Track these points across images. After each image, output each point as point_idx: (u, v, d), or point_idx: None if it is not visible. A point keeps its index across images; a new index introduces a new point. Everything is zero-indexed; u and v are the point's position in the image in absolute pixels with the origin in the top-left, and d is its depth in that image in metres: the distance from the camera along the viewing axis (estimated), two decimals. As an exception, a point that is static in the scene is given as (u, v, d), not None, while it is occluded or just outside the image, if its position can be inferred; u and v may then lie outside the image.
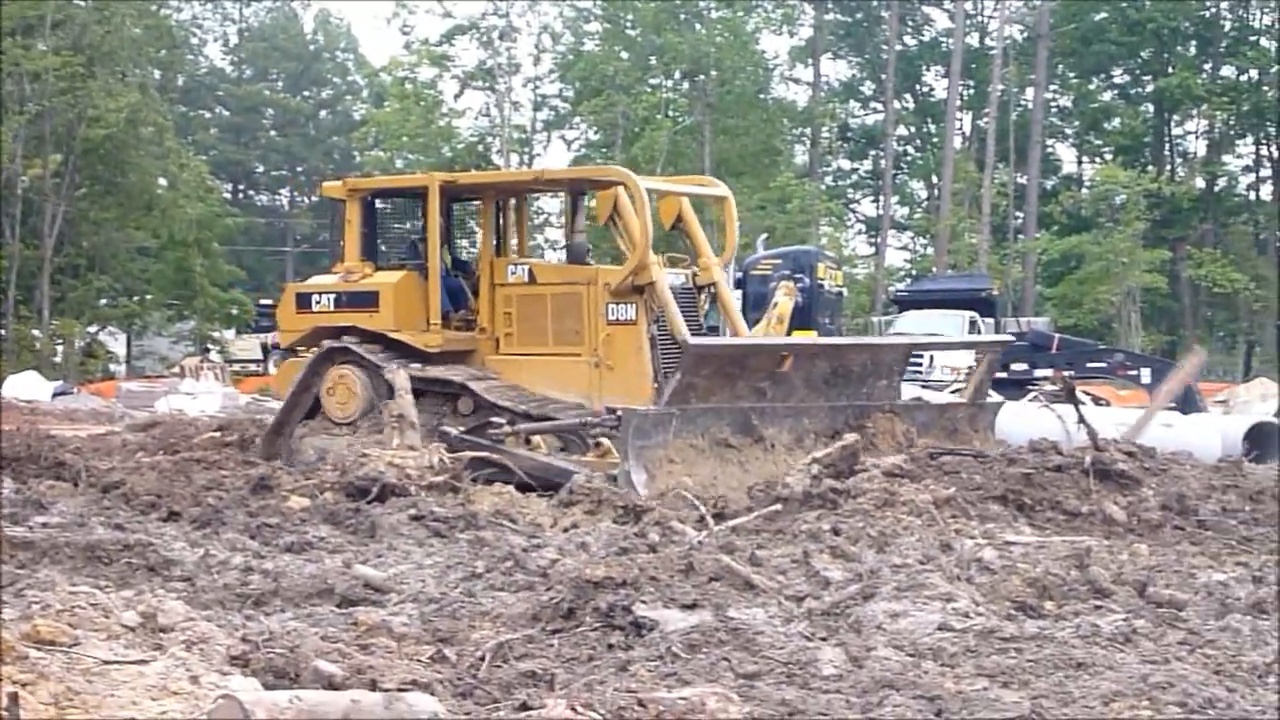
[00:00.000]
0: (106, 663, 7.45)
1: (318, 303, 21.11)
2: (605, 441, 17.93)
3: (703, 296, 20.51)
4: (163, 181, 61.29)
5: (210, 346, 61.80)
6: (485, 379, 19.82)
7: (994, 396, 21.85)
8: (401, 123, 70.37)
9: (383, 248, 21.62)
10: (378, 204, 21.70)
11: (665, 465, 16.66)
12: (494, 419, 18.71)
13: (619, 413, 17.14)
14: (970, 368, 36.35)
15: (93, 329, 60.78)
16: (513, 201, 21.69)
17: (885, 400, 19.25)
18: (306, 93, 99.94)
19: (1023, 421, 22.79)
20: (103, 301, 61.19)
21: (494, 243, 21.14)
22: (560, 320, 19.90)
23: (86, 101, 55.23)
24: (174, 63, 78.22)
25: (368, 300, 20.57)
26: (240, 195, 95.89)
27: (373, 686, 7.57)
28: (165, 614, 8.62)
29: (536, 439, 18.46)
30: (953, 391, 30.27)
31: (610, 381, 19.21)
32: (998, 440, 20.12)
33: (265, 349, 61.82)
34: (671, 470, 16.56)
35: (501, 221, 21.60)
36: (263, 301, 69.42)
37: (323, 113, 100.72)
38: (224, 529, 13.90)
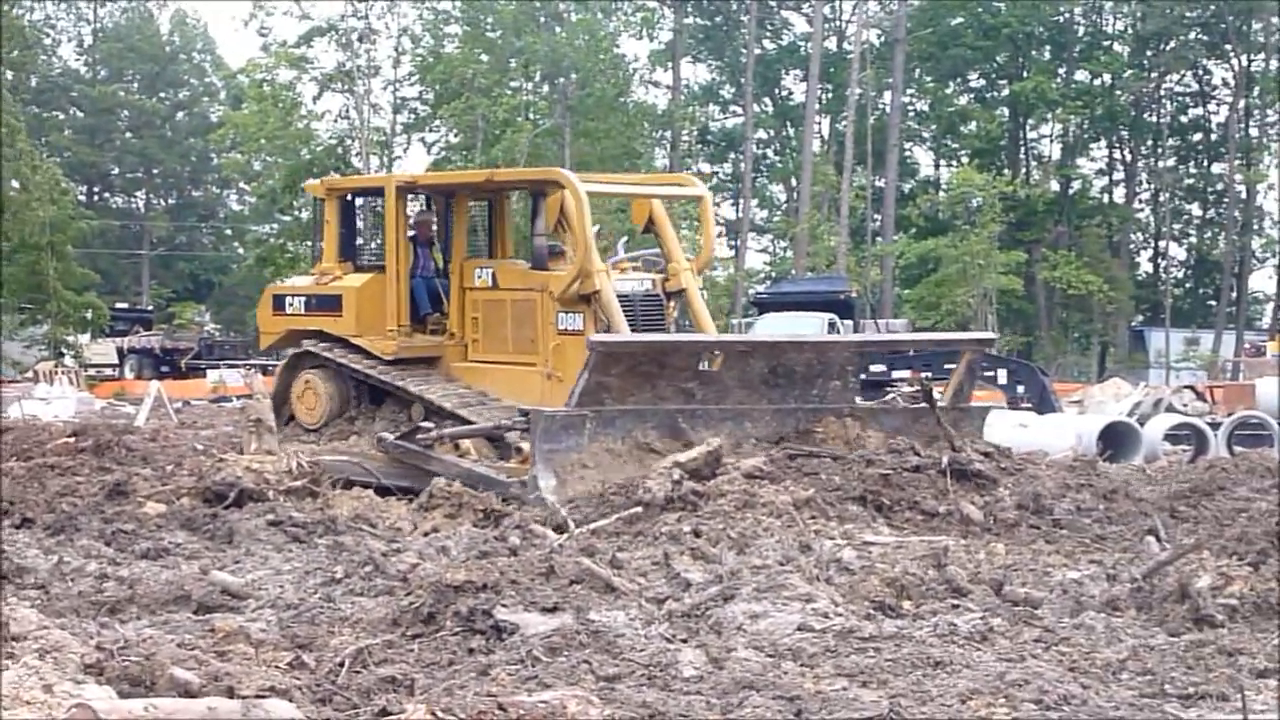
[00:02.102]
0: (-43, 673, 7.32)
1: (290, 305, 20.94)
2: (525, 446, 16.90)
3: (672, 303, 19.71)
4: (15, 184, 60.39)
5: (64, 351, 60.97)
6: (439, 385, 19.43)
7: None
8: (260, 125, 69.75)
9: (363, 246, 21.32)
10: (357, 204, 21.27)
11: (577, 470, 15.76)
12: (423, 424, 18.16)
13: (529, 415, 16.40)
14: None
15: (-57, 333, 59.86)
16: (485, 203, 21.16)
17: (842, 403, 17.96)
18: (163, 94, 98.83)
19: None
20: (-47, 305, 60.29)
21: (465, 245, 20.58)
22: (519, 328, 19.38)
23: (-65, 103, 54.40)
24: (26, 63, 77.17)
25: (332, 303, 20.30)
26: (95, 198, 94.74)
27: (230, 694, 7.51)
28: (17, 622, 8.49)
29: (466, 445, 17.82)
30: (883, 401, 30.43)
31: (559, 393, 17.85)
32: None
33: (121, 353, 61.16)
34: (584, 475, 15.67)
35: (493, 222, 21.24)
36: (118, 305, 68.70)
37: (179, 114, 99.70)
38: (78, 535, 13.71)
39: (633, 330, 18.20)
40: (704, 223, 20.86)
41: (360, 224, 21.58)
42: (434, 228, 20.96)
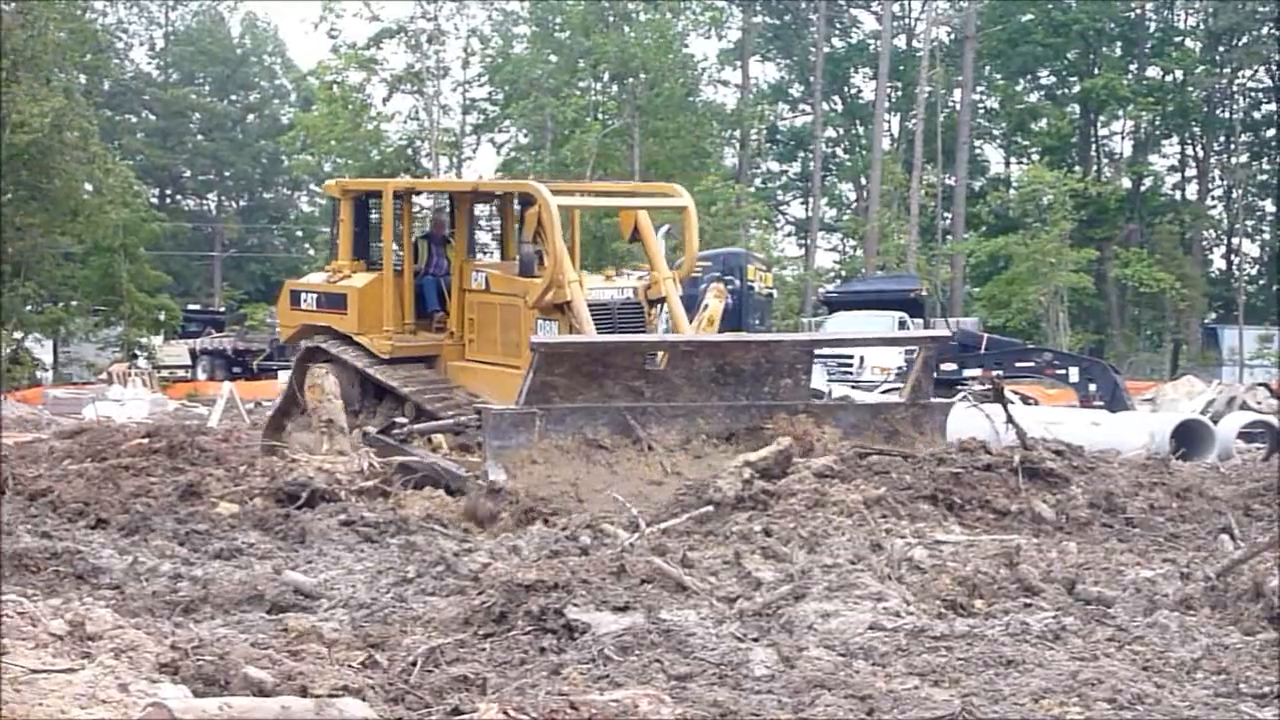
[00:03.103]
0: (34, 671, 7.39)
1: (304, 301, 21.46)
2: None
3: (654, 310, 20.06)
4: (88, 187, 60.76)
5: (138, 352, 61.38)
6: (428, 385, 19.79)
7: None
8: (330, 126, 70.08)
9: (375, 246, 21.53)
10: (370, 205, 21.60)
11: (527, 465, 16.35)
12: (398, 419, 18.87)
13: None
14: (900, 368, 36.79)
15: (18, 335, 60.28)
16: (488, 208, 21.67)
17: (796, 400, 18.24)
18: (234, 96, 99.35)
19: (952, 421, 22.90)
20: (28, 308, 60.69)
21: (465, 247, 21.14)
22: (505, 331, 19.74)
23: (11, 106, 54.76)
24: (99, 67, 77.72)
25: (339, 301, 20.81)
26: (167, 200, 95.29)
27: (303, 693, 7.54)
28: (93, 622, 8.56)
29: (438, 440, 18.43)
30: (883, 392, 30.39)
31: None
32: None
33: (194, 354, 61.52)
34: (533, 471, 16.27)
35: (503, 224, 21.78)
36: (190, 307, 69.09)
37: (250, 116, 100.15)
38: (152, 536, 13.83)
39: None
40: (688, 232, 21.03)
41: (373, 224, 21.92)
42: (448, 228, 21.43)
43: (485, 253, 21.29)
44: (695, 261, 21.94)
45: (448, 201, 21.93)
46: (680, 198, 21.78)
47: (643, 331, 19.65)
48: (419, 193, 22.06)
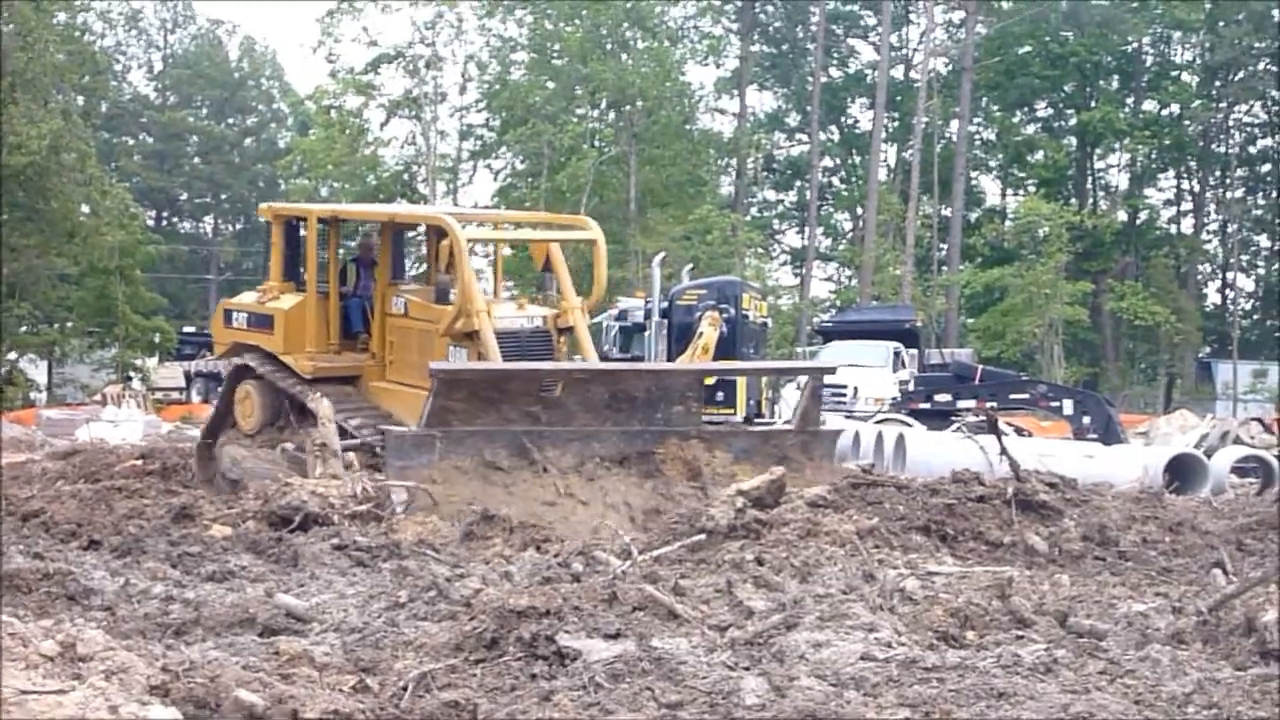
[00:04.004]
0: (25, 692, 7.38)
1: (236, 320, 22.09)
2: None
3: (563, 338, 20.71)
4: (85, 208, 60.77)
5: (132, 374, 61.39)
6: (346, 405, 20.32)
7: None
8: (327, 151, 70.22)
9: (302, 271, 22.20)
10: (300, 230, 22.15)
11: (427, 484, 17.12)
12: (313, 436, 19.43)
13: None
14: (895, 399, 36.82)
15: (13, 356, 60.30)
16: (410, 235, 22.13)
17: (687, 426, 19.07)
18: (231, 120, 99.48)
19: (946, 452, 22.92)
20: (23, 329, 60.74)
21: (389, 272, 21.66)
22: (422, 355, 20.21)
23: (8, 127, 54.81)
24: (97, 89, 77.78)
25: (266, 322, 21.50)
26: (164, 222, 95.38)
27: (294, 717, 7.54)
28: (85, 643, 8.55)
29: (350, 458, 18.76)
30: (878, 421, 30.39)
31: None
32: (868, 467, 19.98)
33: (188, 377, 61.52)
34: (432, 491, 16.99)
35: (427, 253, 22.30)
36: (185, 329, 69.11)
37: (247, 140, 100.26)
38: (145, 558, 13.80)
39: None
40: (596, 264, 21.52)
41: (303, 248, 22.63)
42: (376, 252, 22.00)
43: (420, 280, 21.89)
44: (603, 292, 22.56)
45: (379, 227, 22.44)
46: (590, 230, 22.38)
47: (550, 359, 20.39)
48: (343, 220, 22.92)
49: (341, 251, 23.13)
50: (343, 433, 19.42)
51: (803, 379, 40.16)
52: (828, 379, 38.68)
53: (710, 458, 18.47)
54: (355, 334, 21.47)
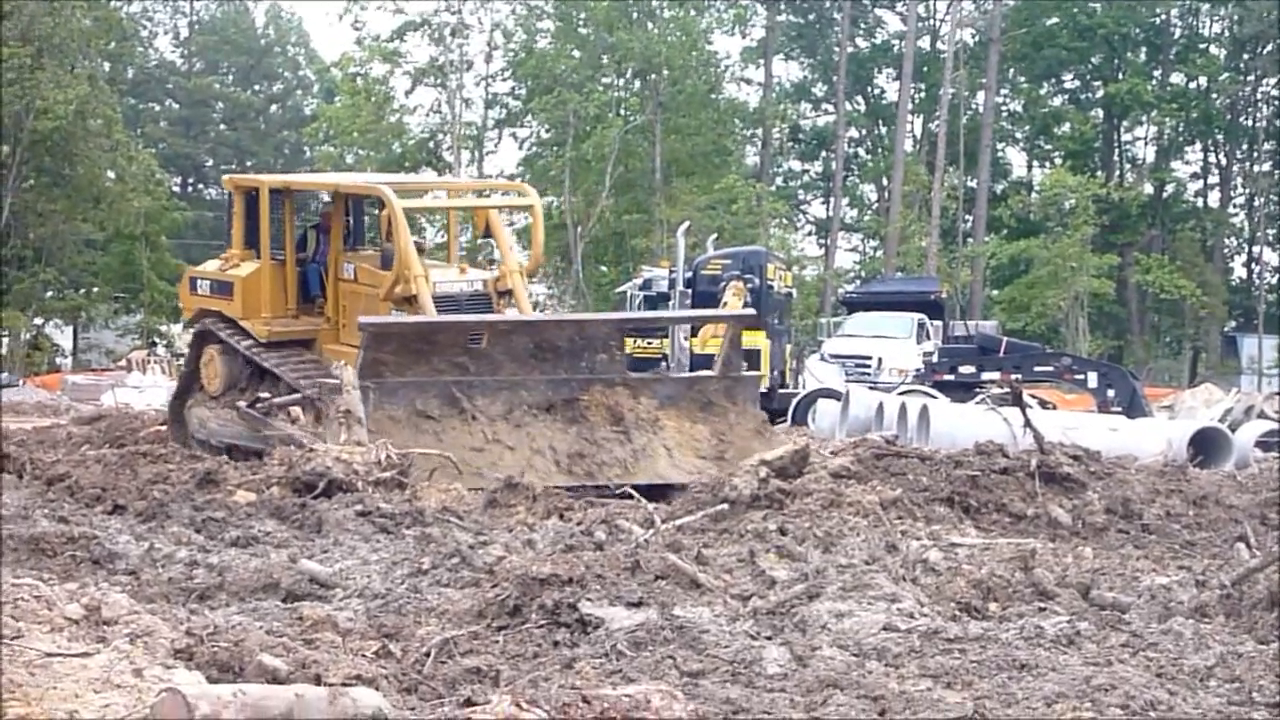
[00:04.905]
0: (49, 655, 7.42)
1: (199, 287, 23.15)
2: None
3: (503, 301, 21.44)
4: (111, 174, 60.91)
5: (157, 340, 61.49)
6: (299, 366, 21.32)
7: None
8: (352, 118, 70.09)
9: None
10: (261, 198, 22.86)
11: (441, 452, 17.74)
12: (262, 394, 20.91)
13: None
14: (919, 371, 36.79)
15: (39, 321, 60.47)
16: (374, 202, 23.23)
17: (612, 374, 19.82)
18: (257, 87, 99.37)
19: (969, 424, 22.90)
20: (49, 294, 60.89)
21: (341, 240, 22.49)
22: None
23: (35, 93, 54.90)
24: (124, 55, 77.85)
25: (227, 289, 22.36)
26: (189, 189, 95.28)
27: (317, 681, 7.56)
28: (109, 607, 8.59)
29: (296, 413, 19.95)
30: (901, 393, 30.35)
31: None
32: (892, 438, 20.01)
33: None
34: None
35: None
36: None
37: (273, 107, 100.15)
38: (169, 523, 13.85)
39: None
40: (534, 229, 22.41)
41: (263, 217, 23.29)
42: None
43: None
44: (541, 258, 23.75)
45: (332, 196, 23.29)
46: (527, 196, 23.83)
47: None
48: (296, 190, 23.79)
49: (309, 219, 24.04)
50: (292, 391, 20.60)
51: (824, 349, 40.50)
52: (850, 349, 39.21)
53: (635, 404, 19.26)
54: (313, 298, 22.37)
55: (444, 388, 18.61)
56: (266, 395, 20.89)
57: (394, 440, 17.44)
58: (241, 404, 20.97)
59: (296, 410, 20.08)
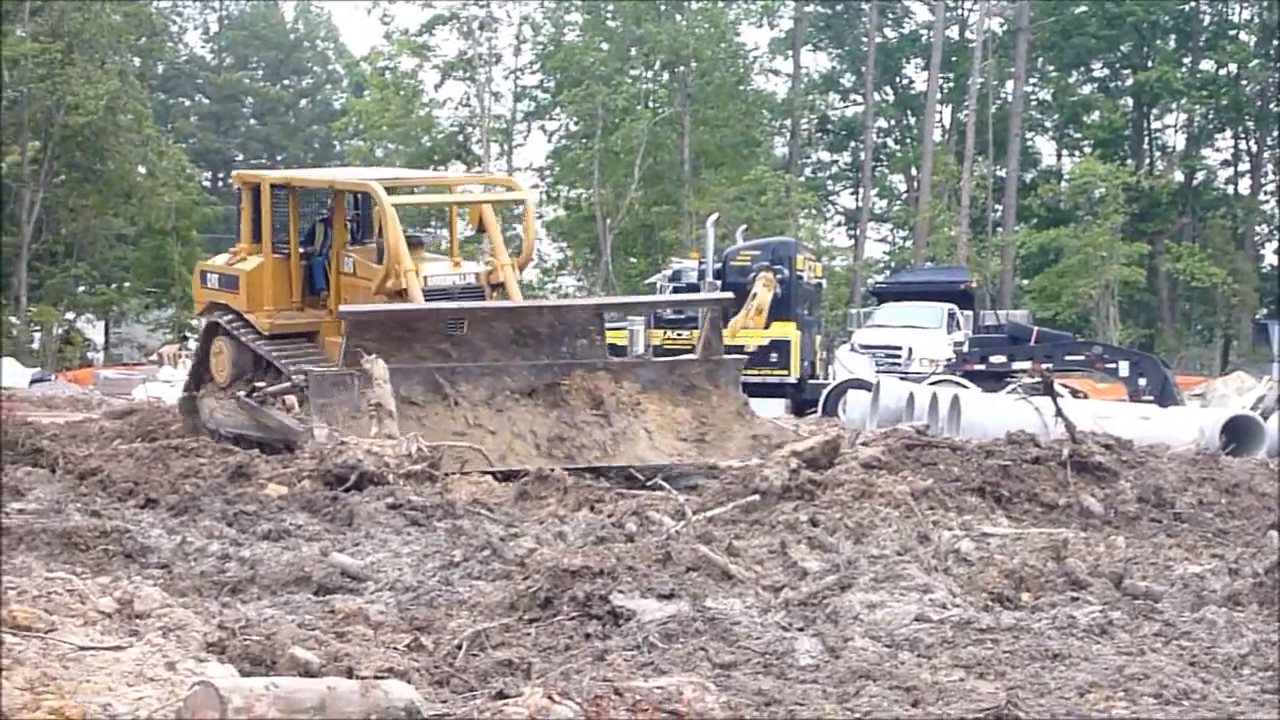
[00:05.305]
0: (82, 648, 7.45)
1: (209, 281, 23.56)
2: None
3: (495, 294, 21.65)
4: (141, 169, 61.13)
5: (188, 334, 61.59)
6: (300, 357, 21.60)
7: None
8: (381, 112, 70.25)
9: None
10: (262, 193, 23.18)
11: (347, 421, 18.18)
12: (257, 383, 21.44)
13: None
14: (949, 360, 36.72)
15: (70, 316, 60.69)
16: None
17: (594, 358, 20.13)
18: (286, 81, 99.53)
19: (1001, 413, 22.85)
20: (81, 289, 61.13)
21: (344, 234, 22.86)
22: None
23: (65, 88, 55.13)
24: (154, 50, 78.09)
25: (233, 282, 22.81)
26: (219, 183, 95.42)
27: (349, 674, 7.58)
28: (142, 600, 8.62)
29: (290, 401, 20.55)
30: (931, 383, 30.31)
31: None
32: (924, 428, 20.03)
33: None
34: (351, 425, 17.93)
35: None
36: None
37: (303, 101, 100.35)
38: (201, 516, 13.87)
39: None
40: (526, 223, 23.45)
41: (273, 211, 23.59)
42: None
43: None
44: (533, 250, 24.42)
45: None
46: (519, 190, 24.69)
47: None
48: (296, 185, 23.82)
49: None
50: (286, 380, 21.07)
51: (854, 340, 40.47)
52: (881, 340, 39.16)
53: (616, 388, 19.56)
54: (319, 291, 22.71)
55: (427, 374, 18.94)
56: (261, 385, 21.43)
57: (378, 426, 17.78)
58: (240, 394, 21.51)
59: (292, 399, 20.54)
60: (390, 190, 21.77)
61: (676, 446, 19.14)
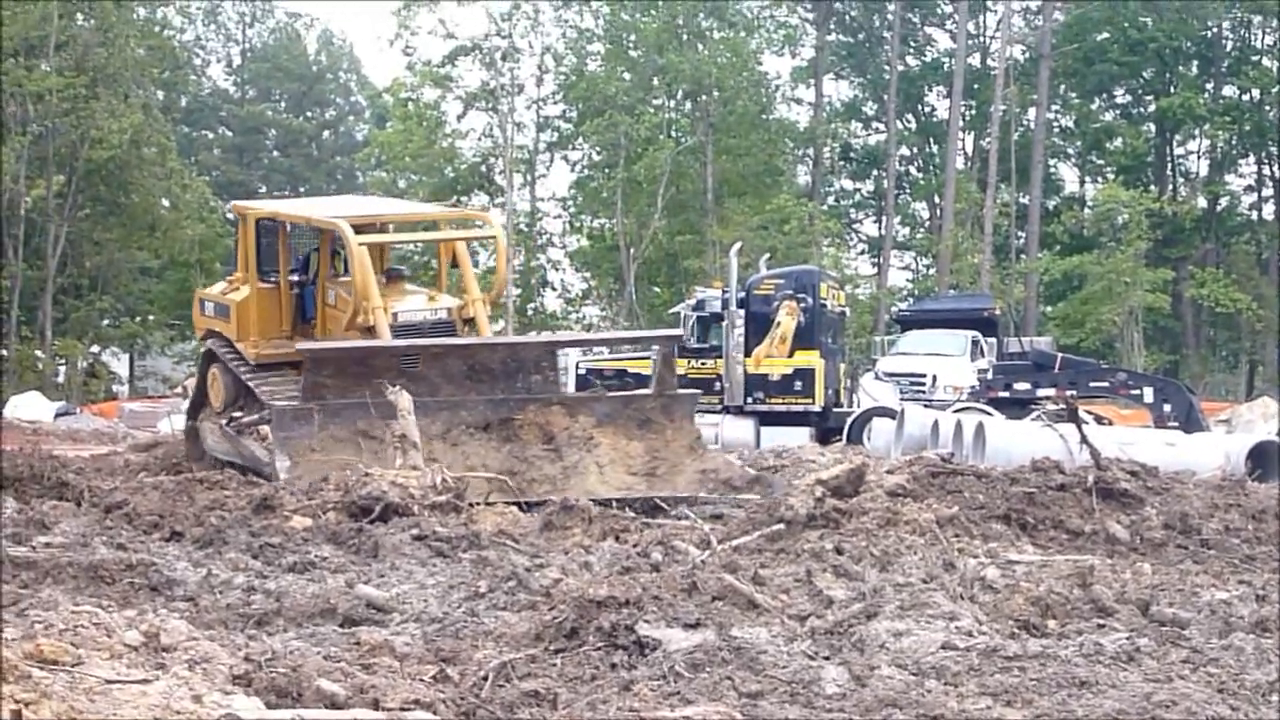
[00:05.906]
0: (109, 682, 7.45)
1: (206, 309, 24.13)
2: None
3: (467, 329, 22.06)
4: (165, 202, 61.34)
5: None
6: (281, 388, 21.76)
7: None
8: (404, 143, 70.41)
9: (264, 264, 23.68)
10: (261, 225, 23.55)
11: (307, 454, 18.67)
12: (235, 414, 22.12)
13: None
14: (974, 388, 36.67)
15: (95, 349, 60.87)
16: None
17: (548, 394, 20.64)
18: (309, 113, 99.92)
19: (1025, 440, 22.81)
20: (105, 322, 61.31)
21: (328, 266, 23.16)
22: None
23: (89, 122, 55.35)
24: (177, 83, 78.42)
25: (226, 311, 23.34)
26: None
27: (375, 706, 7.57)
28: (168, 633, 8.62)
29: (265, 430, 20.66)
30: (956, 410, 30.28)
31: None
32: (948, 456, 20.04)
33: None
34: (312, 458, 18.47)
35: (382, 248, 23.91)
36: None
37: (325, 133, 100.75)
38: (226, 549, 13.87)
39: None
40: (498, 258, 23.91)
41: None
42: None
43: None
44: (505, 285, 25.38)
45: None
46: (488, 227, 25.05)
47: None
48: (273, 221, 23.88)
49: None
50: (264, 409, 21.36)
51: (878, 367, 40.43)
52: (905, 367, 39.13)
53: (570, 422, 19.76)
54: (310, 321, 23.11)
55: (386, 409, 18.87)
56: (238, 415, 21.87)
57: (334, 460, 18.22)
58: (221, 422, 22.11)
59: (267, 428, 20.69)
60: (360, 229, 22.02)
61: (626, 480, 19.24)
